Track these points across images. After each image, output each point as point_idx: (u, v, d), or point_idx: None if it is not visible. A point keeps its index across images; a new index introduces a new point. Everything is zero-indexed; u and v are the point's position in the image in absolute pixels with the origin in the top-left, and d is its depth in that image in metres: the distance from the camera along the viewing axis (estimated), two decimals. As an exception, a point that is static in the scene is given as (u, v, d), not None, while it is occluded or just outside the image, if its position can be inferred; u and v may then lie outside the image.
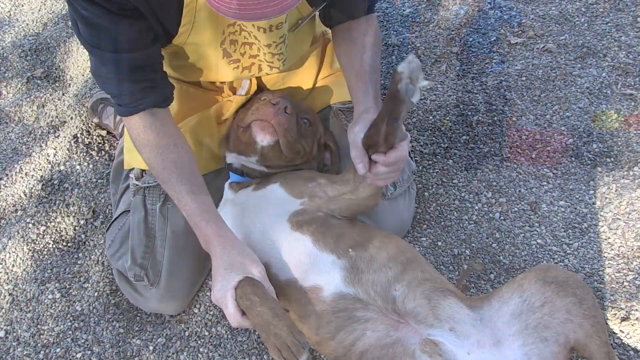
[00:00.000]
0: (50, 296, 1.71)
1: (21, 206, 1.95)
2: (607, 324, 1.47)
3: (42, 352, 1.59)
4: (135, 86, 1.34)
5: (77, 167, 2.04)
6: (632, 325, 1.45)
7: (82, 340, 1.61)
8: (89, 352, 1.58)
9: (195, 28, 1.38)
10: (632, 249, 1.62)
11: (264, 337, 1.20)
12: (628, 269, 1.58)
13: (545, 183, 1.84)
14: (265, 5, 1.02)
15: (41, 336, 1.62)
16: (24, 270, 1.78)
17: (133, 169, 1.65)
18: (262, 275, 1.28)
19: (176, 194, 1.39)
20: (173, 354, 1.55)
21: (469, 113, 2.08)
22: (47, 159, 2.07)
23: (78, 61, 2.54)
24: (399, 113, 1.15)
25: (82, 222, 1.89)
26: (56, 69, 2.53)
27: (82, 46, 1.49)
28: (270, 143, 1.49)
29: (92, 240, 1.84)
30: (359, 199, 1.42)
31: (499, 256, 1.67)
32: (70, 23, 1.36)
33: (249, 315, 1.22)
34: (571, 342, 1.21)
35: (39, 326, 1.65)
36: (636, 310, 1.48)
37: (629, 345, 1.42)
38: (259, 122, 1.49)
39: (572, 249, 1.66)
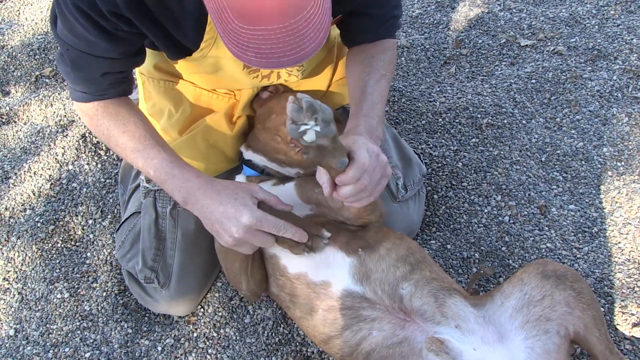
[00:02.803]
0: (59, 295, 1.71)
1: (30, 205, 1.95)
2: (617, 329, 1.46)
3: (51, 351, 1.59)
4: (103, 83, 1.32)
5: (86, 166, 2.04)
6: (644, 331, 1.44)
7: (91, 340, 1.61)
8: (98, 351, 1.58)
9: (217, 43, 1.37)
10: (643, 254, 1.61)
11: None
12: (639, 274, 1.57)
13: (555, 186, 1.83)
14: (282, 55, 1.01)
15: (50, 335, 1.63)
16: (33, 269, 1.78)
17: (143, 169, 1.65)
18: (263, 190, 1.28)
19: (141, 152, 1.31)
20: (181, 355, 1.55)
21: (479, 115, 2.07)
22: (56, 158, 2.08)
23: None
24: (303, 148, 1.11)
25: (90, 221, 1.89)
26: (65, 68, 2.54)
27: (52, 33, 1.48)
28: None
29: (101, 240, 1.84)
30: (353, 218, 1.40)
31: (508, 260, 1.66)
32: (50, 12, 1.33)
33: None
34: (571, 335, 1.23)
35: (47, 325, 1.65)
36: (647, 315, 1.48)
37: (640, 351, 1.41)
38: None
39: (582, 253, 1.65)
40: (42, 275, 1.76)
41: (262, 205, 1.26)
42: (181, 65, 1.54)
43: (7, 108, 2.34)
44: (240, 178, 1.59)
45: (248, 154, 1.61)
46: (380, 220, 1.44)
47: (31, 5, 2.97)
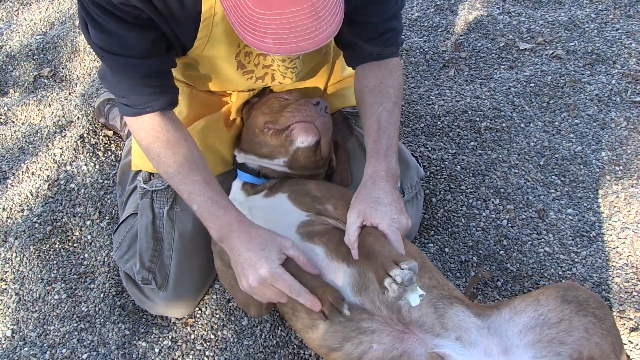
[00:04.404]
0: (56, 296, 1.71)
1: (27, 206, 1.95)
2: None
3: (48, 352, 1.59)
4: (145, 90, 1.32)
5: (84, 167, 2.04)
6: (641, 335, 1.44)
7: (88, 341, 1.60)
8: (95, 353, 1.58)
9: (211, 42, 1.37)
10: (641, 259, 1.61)
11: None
12: (637, 278, 1.57)
13: (553, 190, 1.84)
14: (301, 39, 1.01)
15: (47, 336, 1.62)
16: (30, 270, 1.78)
17: (140, 171, 1.65)
18: (295, 247, 1.29)
19: (187, 186, 1.34)
20: (179, 356, 1.55)
21: (477, 119, 2.08)
22: (54, 159, 2.07)
23: (85, 61, 2.54)
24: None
25: (88, 222, 1.89)
26: (63, 68, 2.54)
27: (89, 45, 1.48)
28: (311, 143, 1.48)
29: (98, 241, 1.83)
30: None
31: (506, 263, 1.66)
32: (78, 23, 1.34)
33: None
34: (584, 359, 1.21)
35: (45, 326, 1.64)
36: (644, 320, 1.48)
37: (638, 357, 1.41)
38: (302, 124, 1.47)
39: (580, 258, 1.65)
40: (39, 276, 1.76)
41: (288, 261, 1.27)
42: (178, 67, 1.53)
43: (5, 108, 2.34)
44: (236, 184, 1.59)
45: (241, 157, 1.61)
46: None
47: (30, 5, 2.96)
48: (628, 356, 1.42)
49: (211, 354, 1.54)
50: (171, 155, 1.35)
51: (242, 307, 1.58)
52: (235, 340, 1.57)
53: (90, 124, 2.17)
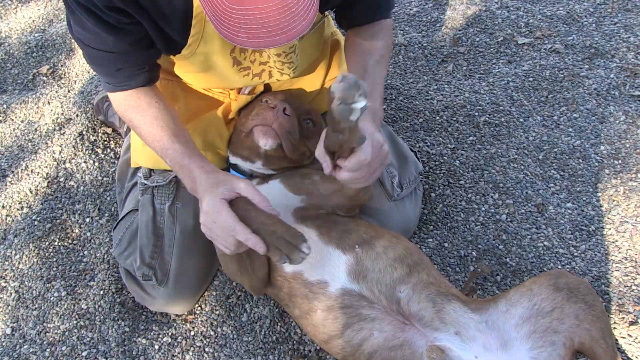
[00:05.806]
0: (55, 294, 1.71)
1: (27, 203, 1.95)
2: (614, 328, 1.47)
3: (48, 350, 1.59)
4: (120, 76, 1.37)
5: (83, 164, 2.04)
6: (640, 329, 1.45)
7: (88, 339, 1.61)
8: (95, 350, 1.58)
9: (205, 38, 1.38)
10: (640, 252, 1.61)
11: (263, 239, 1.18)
12: (636, 272, 1.57)
13: (552, 185, 1.84)
14: (274, 34, 1.03)
15: (47, 334, 1.62)
16: (30, 267, 1.78)
17: (140, 167, 1.65)
18: (250, 187, 1.22)
19: (158, 143, 1.39)
20: (179, 353, 1.55)
21: (476, 114, 2.07)
22: (53, 157, 2.07)
23: (83, 58, 2.53)
24: (340, 129, 1.11)
25: (87, 219, 1.89)
26: (62, 66, 2.53)
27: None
28: (272, 147, 1.49)
29: (98, 238, 1.84)
30: (348, 196, 1.42)
31: (506, 258, 1.66)
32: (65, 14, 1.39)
33: (246, 222, 1.18)
34: (576, 345, 1.23)
35: (44, 324, 1.65)
36: (644, 313, 1.48)
37: (637, 350, 1.41)
38: (260, 127, 1.49)
39: (579, 252, 1.65)
40: (39, 273, 1.76)
41: (240, 201, 1.21)
42: (175, 64, 1.53)
43: (5, 106, 2.34)
44: None
45: (232, 158, 1.64)
46: (370, 200, 1.48)
47: (28, 3, 2.96)
48: (619, 344, 1.42)
49: (211, 350, 1.55)
50: (141, 117, 1.40)
51: (240, 283, 1.55)
52: (235, 336, 1.57)
53: (89, 122, 2.17)
